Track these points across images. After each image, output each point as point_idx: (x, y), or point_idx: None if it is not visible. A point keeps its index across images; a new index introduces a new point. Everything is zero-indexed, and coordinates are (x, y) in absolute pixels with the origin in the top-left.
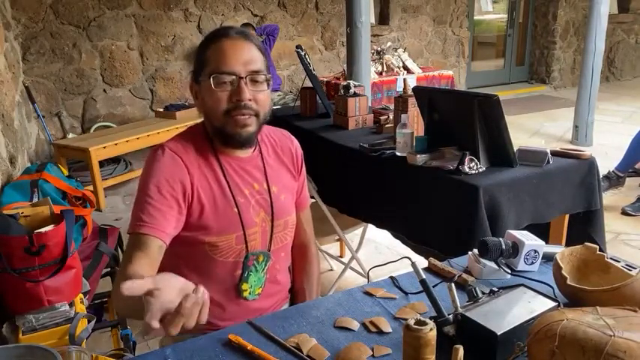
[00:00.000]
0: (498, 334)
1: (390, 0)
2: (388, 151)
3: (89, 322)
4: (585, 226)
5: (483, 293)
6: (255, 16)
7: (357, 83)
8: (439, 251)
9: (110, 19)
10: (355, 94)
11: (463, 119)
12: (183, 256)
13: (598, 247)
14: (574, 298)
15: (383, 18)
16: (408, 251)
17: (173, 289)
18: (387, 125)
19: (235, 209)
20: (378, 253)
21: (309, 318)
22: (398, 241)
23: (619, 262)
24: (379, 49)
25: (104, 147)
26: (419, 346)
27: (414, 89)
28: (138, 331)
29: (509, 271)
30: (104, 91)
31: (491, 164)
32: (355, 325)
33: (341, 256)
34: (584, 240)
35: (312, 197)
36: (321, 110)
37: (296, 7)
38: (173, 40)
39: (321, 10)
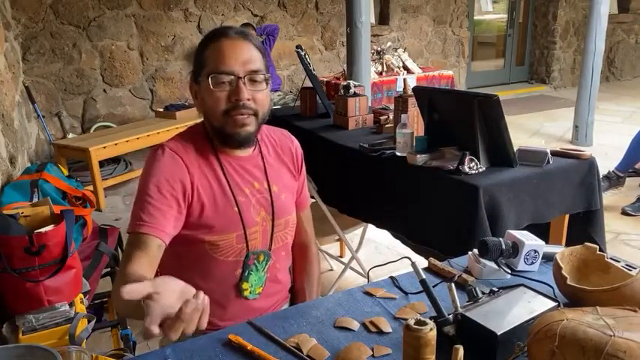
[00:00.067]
0: (498, 334)
1: (390, 0)
2: (388, 151)
3: (89, 322)
4: (585, 226)
5: (483, 293)
6: (255, 16)
7: (357, 83)
8: (439, 251)
9: (110, 19)
10: (355, 94)
11: (463, 119)
12: (184, 255)
13: (598, 247)
14: (574, 298)
15: (383, 18)
16: (408, 251)
17: (173, 292)
18: (387, 125)
19: (236, 208)
20: (378, 253)
21: (309, 318)
22: (398, 241)
23: (619, 262)
24: (379, 49)
25: (104, 147)
26: (419, 346)
27: (414, 89)
28: (138, 331)
29: (509, 271)
30: (104, 91)
31: (491, 164)
32: (355, 325)
33: (341, 256)
34: (584, 240)
35: (312, 197)
36: (321, 110)
37: (296, 7)
38: (173, 40)
39: (321, 10)
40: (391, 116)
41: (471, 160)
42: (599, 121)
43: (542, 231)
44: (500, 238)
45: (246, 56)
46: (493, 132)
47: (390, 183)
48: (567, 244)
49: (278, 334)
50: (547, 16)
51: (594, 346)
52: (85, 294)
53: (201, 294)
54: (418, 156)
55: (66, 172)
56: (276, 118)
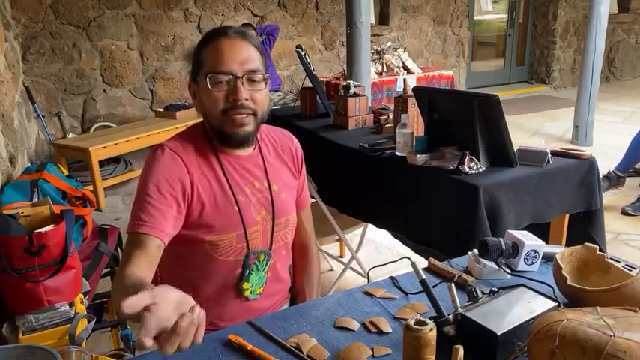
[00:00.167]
0: (498, 334)
1: (390, 0)
2: (388, 151)
3: (89, 322)
4: (585, 226)
5: (483, 293)
6: (255, 16)
7: (357, 83)
8: (439, 251)
9: (110, 19)
10: (355, 94)
11: (463, 119)
12: (184, 255)
13: (598, 247)
14: (574, 298)
15: (383, 18)
16: (408, 251)
17: (170, 302)
18: (387, 125)
19: (236, 208)
20: (378, 253)
21: (309, 318)
22: (398, 241)
23: (619, 262)
24: (379, 49)
25: (104, 147)
26: (419, 346)
27: (414, 89)
28: (138, 332)
29: (509, 271)
30: (104, 91)
31: (491, 164)
32: (355, 325)
33: (341, 256)
34: (584, 240)
35: (312, 197)
36: (321, 110)
37: (296, 7)
38: (173, 40)
39: (321, 10)
40: (391, 116)
41: (471, 160)
42: (599, 121)
43: (542, 231)
44: (500, 238)
45: (244, 56)
46: (493, 132)
47: (390, 183)
48: (567, 244)
49: (278, 334)
50: (547, 16)
51: (594, 346)
52: (85, 294)
53: (197, 307)
54: (418, 156)
55: (66, 172)
56: (276, 118)
